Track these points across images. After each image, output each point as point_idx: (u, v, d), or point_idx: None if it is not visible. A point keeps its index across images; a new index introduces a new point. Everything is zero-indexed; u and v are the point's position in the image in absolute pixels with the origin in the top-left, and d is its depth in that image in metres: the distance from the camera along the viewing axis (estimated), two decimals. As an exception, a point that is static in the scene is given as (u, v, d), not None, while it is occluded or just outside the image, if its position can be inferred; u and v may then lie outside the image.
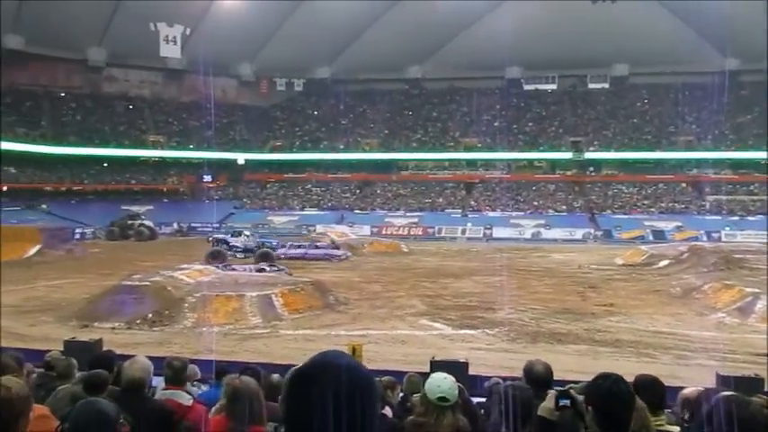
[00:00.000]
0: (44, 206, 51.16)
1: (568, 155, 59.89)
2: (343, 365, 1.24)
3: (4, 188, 50.49)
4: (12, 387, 2.02)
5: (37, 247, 33.01)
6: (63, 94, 61.02)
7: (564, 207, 55.80)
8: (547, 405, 2.70)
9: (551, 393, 2.73)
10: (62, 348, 8.63)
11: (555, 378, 4.10)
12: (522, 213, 54.81)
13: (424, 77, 68.73)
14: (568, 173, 60.05)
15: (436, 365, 7.80)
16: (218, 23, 55.13)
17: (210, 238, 30.98)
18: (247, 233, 32.10)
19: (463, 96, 67.31)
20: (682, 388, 4.41)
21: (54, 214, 49.32)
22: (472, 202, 57.48)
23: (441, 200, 58.79)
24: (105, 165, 58.62)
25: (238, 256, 29.92)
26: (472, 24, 58.61)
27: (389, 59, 62.81)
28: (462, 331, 15.50)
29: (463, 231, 51.55)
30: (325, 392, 1.20)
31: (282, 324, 16.40)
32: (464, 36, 59.80)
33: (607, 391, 2.38)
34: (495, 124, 60.61)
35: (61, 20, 52.06)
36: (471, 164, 62.05)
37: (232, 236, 31.22)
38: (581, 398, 2.59)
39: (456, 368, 7.45)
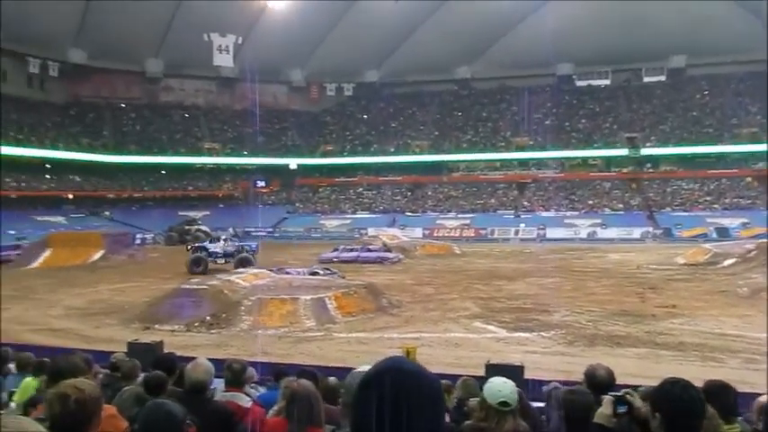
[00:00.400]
0: (107, 213, 53.16)
1: (624, 151, 58.34)
2: (412, 371, 1.24)
3: (70, 196, 52.69)
4: (85, 389, 2.09)
5: (101, 252, 34.37)
6: (123, 105, 63.36)
7: (620, 205, 54.42)
8: (604, 411, 2.62)
9: (608, 399, 2.66)
10: (125, 350, 8.92)
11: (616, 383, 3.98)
12: (577, 213, 53.74)
13: (474, 77, 68.24)
14: (624, 170, 58.50)
15: (491, 369, 7.70)
16: (268, 31, 56.14)
17: (189, 247, 31.23)
18: (224, 238, 32.36)
19: (513, 95, 66.50)
20: (754, 394, 4.22)
21: (116, 220, 51.19)
22: (525, 203, 56.69)
23: (492, 201, 58.20)
24: (163, 172, 60.47)
25: (219, 261, 30.16)
26: (521, 22, 57.85)
27: (438, 60, 62.65)
28: (517, 334, 15.27)
29: (516, 232, 50.90)
30: (394, 397, 1.19)
31: (336, 327, 16.51)
32: (513, 34, 59.11)
33: (677, 397, 2.28)
34: (547, 122, 59.68)
35: (120, 34, 54.09)
36: (523, 163, 61.21)
37: (210, 242, 31.45)
38: (639, 403, 2.51)
39: (511, 372, 7.34)
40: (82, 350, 7.66)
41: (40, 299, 22.23)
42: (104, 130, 60.09)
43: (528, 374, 8.21)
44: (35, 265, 32.53)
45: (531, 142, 60.32)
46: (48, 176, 52.11)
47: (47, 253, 34.00)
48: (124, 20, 51.99)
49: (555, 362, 11.79)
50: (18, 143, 49.65)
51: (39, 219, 46.38)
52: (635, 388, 3.77)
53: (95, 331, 16.46)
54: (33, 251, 34.70)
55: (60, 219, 48.36)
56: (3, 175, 47.79)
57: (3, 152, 47.86)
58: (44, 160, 51.66)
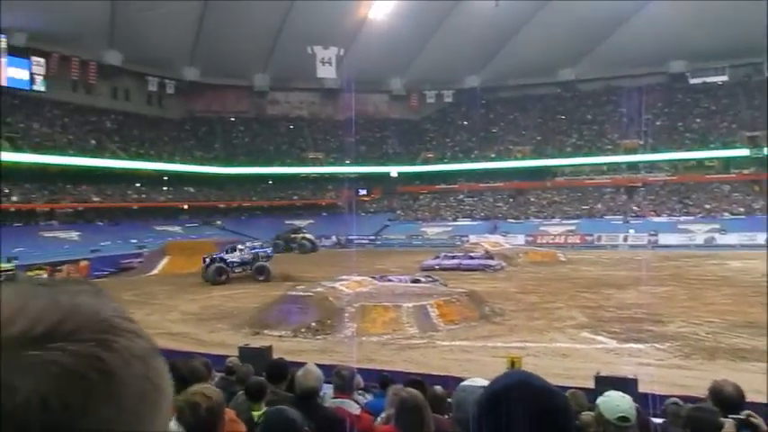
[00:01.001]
0: (218, 222, 55.85)
1: (745, 152, 54.45)
2: (542, 387, 1.18)
3: (185, 206, 55.86)
4: (213, 396, 2.21)
5: (213, 260, 35.97)
6: (233, 119, 66.61)
7: (741, 209, 50.79)
8: None
9: (729, 422, 2.48)
10: (237, 354, 9.33)
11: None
12: (692, 218, 50.69)
13: (578, 79, 66.13)
14: (745, 171, 54.57)
15: (601, 381, 7.43)
16: (369, 42, 57.17)
17: (205, 258, 31.81)
18: (241, 247, 32.71)
19: (621, 96, 63.75)
20: None
21: (227, 229, 53.69)
22: (634, 207, 54.19)
23: (599, 206, 56.07)
24: (270, 182, 62.91)
25: (236, 270, 30.64)
26: (629, 19, 55.46)
27: (540, 63, 61.28)
28: (628, 345, 14.64)
29: (625, 239, 48.70)
30: (525, 417, 1.14)
31: (438, 335, 16.48)
32: (620, 32, 56.69)
33: None
34: (658, 123, 56.86)
35: (231, 52, 57.11)
36: (632, 166, 58.50)
37: (227, 252, 31.91)
38: (765, 427, 2.33)
39: (624, 385, 7.04)
40: (198, 354, 8.09)
41: (159, 304, 23.72)
42: (216, 143, 63.47)
43: (642, 388, 7.85)
44: (155, 272, 34.73)
45: (641, 144, 57.58)
46: (165, 188, 55.53)
47: (165, 260, 36.21)
48: (234, 38, 54.86)
49: (671, 376, 11.20)
50: (139, 157, 53.45)
51: (158, 228, 49.38)
52: (761, 405, 3.48)
53: (209, 336, 17.35)
54: (153, 259, 37.06)
55: (177, 228, 51.28)
56: (126, 188, 51.59)
57: (127, 166, 51.78)
58: (162, 173, 55.13)
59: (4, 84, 47.05)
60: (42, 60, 49.44)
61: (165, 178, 55.63)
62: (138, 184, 53.15)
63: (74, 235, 43.06)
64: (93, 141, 51.39)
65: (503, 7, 50.73)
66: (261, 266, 30.74)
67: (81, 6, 44.86)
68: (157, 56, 56.07)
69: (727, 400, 3.35)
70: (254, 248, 32.97)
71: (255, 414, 3.82)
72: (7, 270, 29.09)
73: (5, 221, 41.78)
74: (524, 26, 58.45)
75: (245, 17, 52.60)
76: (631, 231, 49.38)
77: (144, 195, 52.86)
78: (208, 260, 31.01)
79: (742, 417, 2.48)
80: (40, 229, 42.77)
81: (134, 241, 43.29)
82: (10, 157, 43.19)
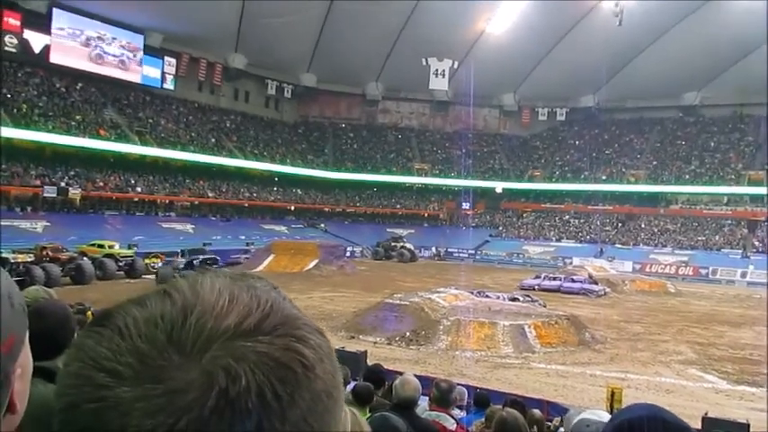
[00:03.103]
0: (322, 225, 57.27)
1: None
2: (674, 423, 1.13)
3: (292, 207, 57.79)
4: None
5: (315, 261, 37.05)
6: (343, 125, 68.31)
7: None
8: None
9: None
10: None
11: None
12: (823, 258, 46.61)
13: (702, 104, 62.58)
14: None
15: (710, 423, 7.05)
16: (484, 56, 56.90)
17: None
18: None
19: (749, 124, 59.85)
20: None
21: (330, 233, 54.96)
22: (756, 242, 50.50)
23: (717, 238, 52.72)
24: (375, 189, 63.87)
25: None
26: (760, 46, 51.92)
27: (662, 85, 58.53)
28: (741, 387, 13.75)
29: (743, 274, 45.51)
30: None
31: (534, 356, 16.17)
32: (751, 57, 53.10)
33: None
34: (790, 154, 52.77)
35: (347, 60, 58.74)
36: (756, 199, 54.58)
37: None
38: None
39: (735, 429, 6.66)
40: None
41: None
42: (326, 148, 65.37)
43: (754, 435, 7.38)
44: (260, 268, 35.97)
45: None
46: (275, 188, 57.69)
47: (270, 258, 37.49)
48: (351, 47, 56.40)
49: (786, 425, 10.39)
50: (254, 157, 55.96)
51: (265, 227, 51.28)
52: None
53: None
54: (259, 256, 38.47)
55: (283, 228, 53.01)
56: (239, 186, 54.08)
57: (241, 165, 54.32)
58: (273, 174, 57.34)
59: (139, 81, 50.77)
60: (173, 61, 52.96)
61: (276, 179, 57.80)
62: (250, 183, 55.52)
63: (189, 227, 45.56)
64: (213, 139, 54.33)
65: (626, 27, 48.98)
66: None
67: (213, 11, 47.74)
68: (278, 61, 58.62)
69: None
70: None
71: (360, 418, 3.91)
72: (127, 256, 31.24)
73: (130, 210, 45.07)
74: (648, 47, 56.15)
75: (363, 27, 53.96)
76: (751, 267, 46.07)
77: (255, 194, 55.11)
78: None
79: None
80: (159, 220, 45.52)
81: (243, 237, 45.07)
82: (137, 150, 46.64)
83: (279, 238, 45.63)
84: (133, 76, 50.32)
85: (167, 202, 48.32)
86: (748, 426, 7.18)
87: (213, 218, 50.35)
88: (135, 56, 50.07)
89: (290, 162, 58.86)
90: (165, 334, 0.47)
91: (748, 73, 53.49)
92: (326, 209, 60.69)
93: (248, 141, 57.71)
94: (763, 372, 15.06)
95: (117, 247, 32.21)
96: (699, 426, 6.84)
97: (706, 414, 7.53)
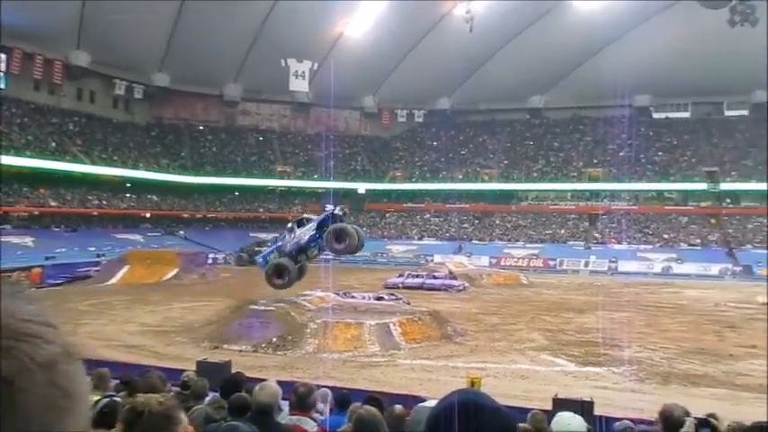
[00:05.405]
0: (181, 232, 54.91)
1: (703, 186, 56.14)
2: (489, 406, 1.18)
3: (148, 215, 54.89)
4: (164, 402, 2.13)
5: (175, 271, 35.42)
6: (201, 128, 65.85)
7: (698, 241, 52.21)
8: None
9: (690, 421, 2.56)
10: (195, 368, 9.15)
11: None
12: (651, 246, 51.89)
13: (546, 107, 67.46)
14: (703, 204, 56.23)
15: (559, 403, 7.50)
16: (343, 58, 57.31)
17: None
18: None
19: (587, 125, 65.30)
20: None
21: (190, 240, 52.84)
22: (596, 235, 55.19)
23: (562, 231, 56.98)
24: (236, 194, 62.29)
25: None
26: (597, 53, 56.89)
27: (511, 89, 62.31)
28: (586, 368, 14.86)
29: (586, 264, 49.54)
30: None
31: (400, 353, 16.46)
32: (589, 64, 58.08)
33: None
34: (621, 154, 58.14)
35: (203, 60, 56.39)
36: (595, 195, 59.75)
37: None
38: (723, 428, 2.40)
39: (580, 407, 7.13)
40: (154, 367, 7.93)
41: (116, 315, 23.11)
42: (182, 152, 62.48)
43: (598, 410, 7.96)
44: (113, 281, 33.77)
45: (605, 174, 58.88)
46: (128, 195, 54.44)
47: (124, 270, 35.21)
48: (207, 47, 54.20)
49: (626, 399, 11.37)
50: (103, 162, 52.21)
51: (118, 236, 48.32)
52: (714, 418, 3.57)
53: (167, 349, 16.98)
54: (112, 268, 35.96)
55: (138, 237, 50.22)
56: (86, 193, 50.31)
57: (88, 171, 50.49)
58: (125, 179, 54.00)
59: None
60: (3, 56, 48.03)
61: (129, 185, 54.50)
62: (99, 190, 51.84)
63: (28, 240, 41.35)
64: (54, 143, 49.84)
65: (477, 33, 51.46)
66: None
67: (49, 3, 43.58)
68: (127, 60, 55.22)
69: (676, 424, 3.46)
70: None
71: None
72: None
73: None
74: (498, 53, 59.43)
75: (219, 26, 52.17)
76: (592, 257, 50.28)
77: (105, 202, 51.66)
78: None
79: (704, 417, 2.55)
80: (-9, 233, 41.14)
81: (92, 249, 42.10)
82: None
83: (134, 248, 43.23)
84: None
85: (1, 213, 43.55)
86: (592, 403, 7.74)
87: (57, 228, 46.47)
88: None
89: (143, 167, 55.59)
90: None
91: (585, 79, 58.38)
92: (185, 215, 58.27)
93: (95, 145, 53.62)
94: (604, 352, 16.42)
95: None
96: (550, 407, 7.25)
97: (556, 395, 8.02)
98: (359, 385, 11.76)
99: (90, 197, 50.40)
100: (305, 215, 23.17)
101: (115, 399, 4.10)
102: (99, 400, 4.75)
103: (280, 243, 22.12)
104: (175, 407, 2.06)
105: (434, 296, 29.24)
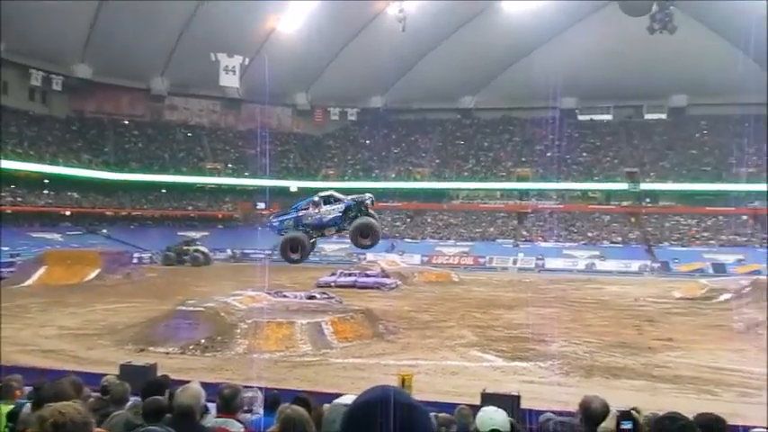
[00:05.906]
0: (104, 231, 52.77)
1: (624, 186, 58.65)
2: (404, 403, 1.18)
3: (68, 212, 52.54)
4: (66, 412, 2.00)
5: (97, 271, 34.01)
6: (126, 122, 63.40)
7: (619, 238, 54.48)
8: (607, 426, 2.60)
9: (613, 412, 2.64)
10: (118, 372, 8.80)
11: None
12: (576, 244, 53.75)
13: (477, 107, 68.74)
14: (624, 204, 58.74)
15: (488, 398, 7.62)
16: (276, 54, 56.50)
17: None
18: None
19: (516, 126, 66.98)
20: (747, 427, 4.18)
21: (114, 239, 50.91)
22: (524, 233, 56.70)
23: (492, 229, 58.23)
24: (164, 191, 60.41)
25: None
26: (527, 55, 58.37)
27: (442, 89, 63.15)
28: (514, 363, 15.20)
29: (515, 262, 50.83)
30: (384, 429, 1.14)
31: (332, 352, 16.40)
32: (518, 66, 59.57)
33: None
34: (548, 154, 59.94)
35: (127, 51, 54.09)
36: (523, 194, 61.42)
37: None
38: (644, 419, 2.47)
39: (508, 401, 7.26)
40: (74, 372, 7.57)
41: (32, 318, 22.00)
42: (106, 147, 59.97)
43: (524, 404, 8.14)
44: (29, 282, 31.99)
45: (532, 173, 60.56)
46: (45, 192, 51.87)
47: (41, 271, 33.44)
48: (132, 38, 52.03)
49: (551, 392, 11.69)
50: (17, 157, 49.31)
51: (34, 235, 45.98)
52: (637, 411, 3.73)
53: (88, 353, 16.28)
54: (27, 269, 34.09)
55: (56, 236, 47.95)
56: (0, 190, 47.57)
57: (2, 166, 47.51)
58: (43, 175, 51.39)
59: None
60: None
61: (46, 181, 51.93)
62: (13, 186, 49.04)
63: (-68, 240, 38.97)
64: (-38, 137, 46.81)
65: (410, 32, 51.83)
66: None
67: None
68: (44, 49, 52.20)
69: (594, 415, 3.64)
70: None
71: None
72: None
73: None
74: (430, 53, 60.06)
75: (145, 16, 50.11)
76: (520, 255, 51.65)
77: (19, 198, 49.07)
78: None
79: (626, 410, 2.61)
80: None
81: (6, 248, 39.86)
82: None
83: (52, 248, 41.32)
84: None
85: None
86: (519, 397, 7.91)
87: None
88: None
89: (62, 162, 52.82)
90: None
91: (514, 81, 59.84)
92: (109, 213, 56.12)
93: (9, 138, 50.17)
94: (531, 347, 16.86)
95: None
96: (479, 402, 7.35)
97: (484, 390, 8.15)
98: (290, 385, 11.61)
99: (3, 194, 47.59)
100: (332, 192, 22.56)
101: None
102: (12, 410, 4.49)
103: (300, 214, 21.30)
104: (77, 416, 1.94)
105: (367, 294, 29.30)
